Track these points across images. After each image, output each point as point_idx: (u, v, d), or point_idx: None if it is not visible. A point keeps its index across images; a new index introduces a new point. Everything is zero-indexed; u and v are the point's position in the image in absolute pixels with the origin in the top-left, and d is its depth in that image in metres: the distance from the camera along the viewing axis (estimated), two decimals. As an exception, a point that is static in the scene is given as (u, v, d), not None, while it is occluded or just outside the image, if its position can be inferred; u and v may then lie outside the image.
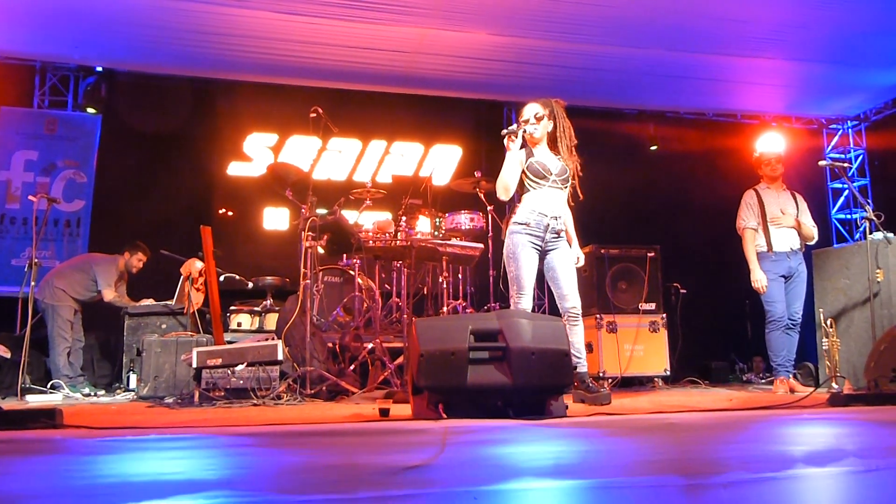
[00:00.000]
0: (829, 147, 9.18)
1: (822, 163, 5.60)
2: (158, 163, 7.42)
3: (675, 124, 8.69)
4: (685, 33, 6.59)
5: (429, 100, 8.09)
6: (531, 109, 4.24)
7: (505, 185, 4.06)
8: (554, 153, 4.26)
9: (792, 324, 5.30)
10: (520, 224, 4.10)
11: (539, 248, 4.12)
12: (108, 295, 6.10)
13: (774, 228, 5.36)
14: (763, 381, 6.55)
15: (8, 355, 5.68)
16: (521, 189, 4.20)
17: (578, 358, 4.04)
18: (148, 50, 6.88)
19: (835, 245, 7.99)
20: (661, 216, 8.28)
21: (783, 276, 5.33)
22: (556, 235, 4.13)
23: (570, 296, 4.11)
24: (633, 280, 6.64)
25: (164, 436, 2.45)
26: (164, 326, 5.87)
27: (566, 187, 4.21)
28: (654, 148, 8.67)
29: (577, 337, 4.09)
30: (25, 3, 5.97)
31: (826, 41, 6.73)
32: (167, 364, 5.09)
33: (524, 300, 4.03)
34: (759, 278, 5.28)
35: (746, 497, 2.44)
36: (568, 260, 4.17)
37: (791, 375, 5.29)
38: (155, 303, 6.08)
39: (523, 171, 4.16)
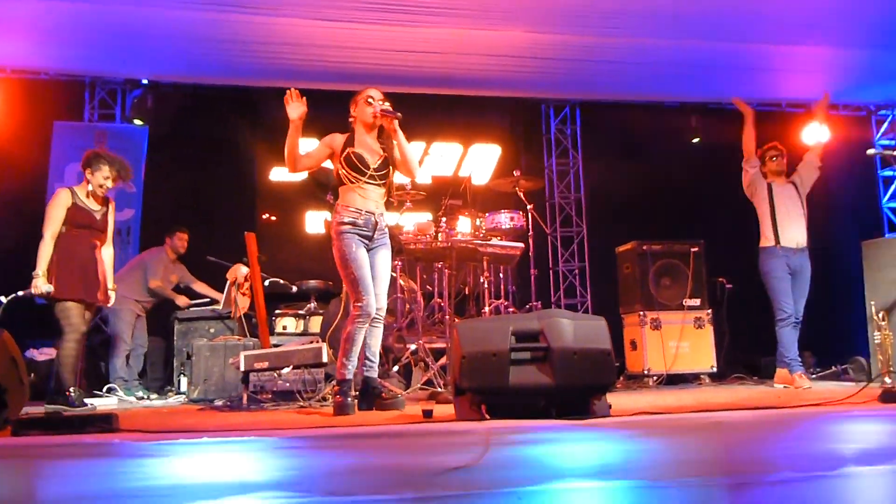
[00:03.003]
0: (879, 134, 8.90)
1: (870, 151, 5.44)
2: (203, 171, 7.59)
3: (718, 116, 8.51)
4: (725, 23, 6.46)
5: (467, 100, 8.10)
6: (376, 93, 4.10)
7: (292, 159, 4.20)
8: (380, 144, 4.11)
9: (796, 321, 5.23)
10: (346, 224, 3.95)
11: (366, 246, 4.01)
12: (153, 283, 6.40)
13: (783, 223, 5.32)
14: (814, 375, 6.40)
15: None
16: (338, 183, 4.07)
17: (372, 363, 4.05)
18: (191, 61, 7.05)
19: (886, 235, 7.76)
20: (705, 209, 8.13)
21: (789, 273, 5.27)
22: (382, 233, 4.07)
23: (381, 296, 4.03)
24: (676, 276, 6.56)
25: (215, 439, 2.53)
26: (212, 331, 6.03)
27: (383, 184, 4.08)
28: (696, 140, 8.52)
29: (375, 340, 4.08)
30: (73, 22, 6.17)
31: (870, 26, 6.52)
32: (216, 367, 5.21)
33: (369, 301, 3.88)
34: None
35: (795, 496, 2.40)
36: (387, 261, 4.09)
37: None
38: (211, 294, 6.47)
39: (339, 162, 4.02)
